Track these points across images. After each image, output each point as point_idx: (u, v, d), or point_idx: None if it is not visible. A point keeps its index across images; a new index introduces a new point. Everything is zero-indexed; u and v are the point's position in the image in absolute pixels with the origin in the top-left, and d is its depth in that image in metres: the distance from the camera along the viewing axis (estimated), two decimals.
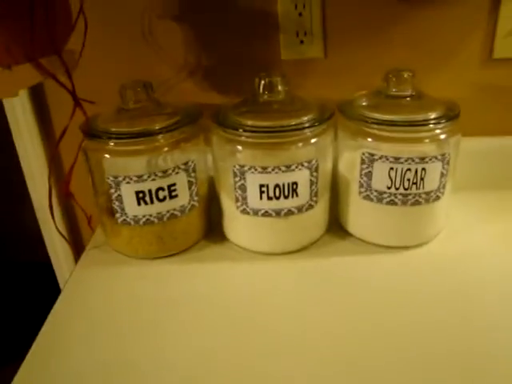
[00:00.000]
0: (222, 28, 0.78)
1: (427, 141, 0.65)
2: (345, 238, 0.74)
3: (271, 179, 0.65)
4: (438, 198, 0.68)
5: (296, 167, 0.64)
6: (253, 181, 0.65)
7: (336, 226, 0.76)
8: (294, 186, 0.66)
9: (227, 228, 0.74)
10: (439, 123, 0.64)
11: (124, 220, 0.69)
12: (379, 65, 0.72)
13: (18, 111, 0.87)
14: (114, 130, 0.66)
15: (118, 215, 0.69)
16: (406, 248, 0.71)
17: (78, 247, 0.97)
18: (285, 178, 0.65)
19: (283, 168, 0.64)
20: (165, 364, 0.54)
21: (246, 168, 0.65)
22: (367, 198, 0.68)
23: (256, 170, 0.65)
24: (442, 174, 0.67)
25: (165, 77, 0.81)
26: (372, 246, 0.72)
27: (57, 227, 0.79)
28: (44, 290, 0.68)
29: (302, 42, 0.78)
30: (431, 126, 0.64)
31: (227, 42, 0.79)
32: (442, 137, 0.65)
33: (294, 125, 0.64)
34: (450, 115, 0.66)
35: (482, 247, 0.72)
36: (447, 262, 0.69)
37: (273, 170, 0.64)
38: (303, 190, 0.67)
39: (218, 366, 0.53)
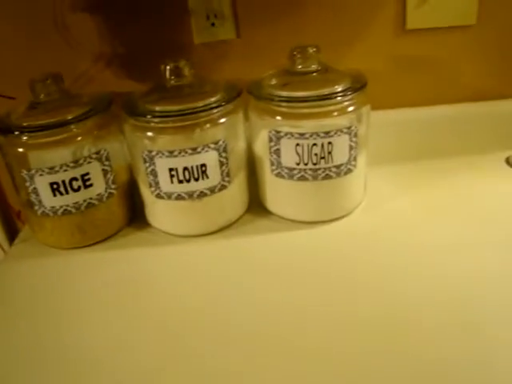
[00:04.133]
0: (134, 16, 0.78)
1: (335, 114, 0.66)
2: (265, 217, 0.75)
3: (179, 163, 0.66)
4: (349, 170, 0.69)
5: (202, 149, 0.65)
6: (162, 165, 0.66)
7: (257, 205, 0.76)
8: (203, 168, 0.66)
9: (148, 213, 0.75)
10: (345, 95, 0.65)
11: (43, 212, 0.69)
12: (292, 42, 0.71)
13: None
14: (26, 124, 0.67)
15: (36, 207, 0.69)
16: (325, 222, 0.72)
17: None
18: (193, 161, 0.66)
19: (189, 151, 0.65)
20: (83, 353, 0.54)
21: (153, 153, 0.66)
22: (279, 175, 0.69)
23: (164, 154, 0.65)
24: (351, 147, 0.68)
25: (82, 68, 0.81)
26: (291, 222, 0.73)
27: None
28: None
29: (213, 24, 0.78)
30: (338, 98, 0.65)
31: (140, 29, 0.78)
32: (350, 109, 0.66)
33: (201, 106, 0.65)
34: (357, 87, 0.66)
35: (402, 217, 0.73)
36: (367, 233, 0.70)
37: (179, 153, 0.65)
38: (213, 171, 0.67)
39: (138, 349, 0.54)
